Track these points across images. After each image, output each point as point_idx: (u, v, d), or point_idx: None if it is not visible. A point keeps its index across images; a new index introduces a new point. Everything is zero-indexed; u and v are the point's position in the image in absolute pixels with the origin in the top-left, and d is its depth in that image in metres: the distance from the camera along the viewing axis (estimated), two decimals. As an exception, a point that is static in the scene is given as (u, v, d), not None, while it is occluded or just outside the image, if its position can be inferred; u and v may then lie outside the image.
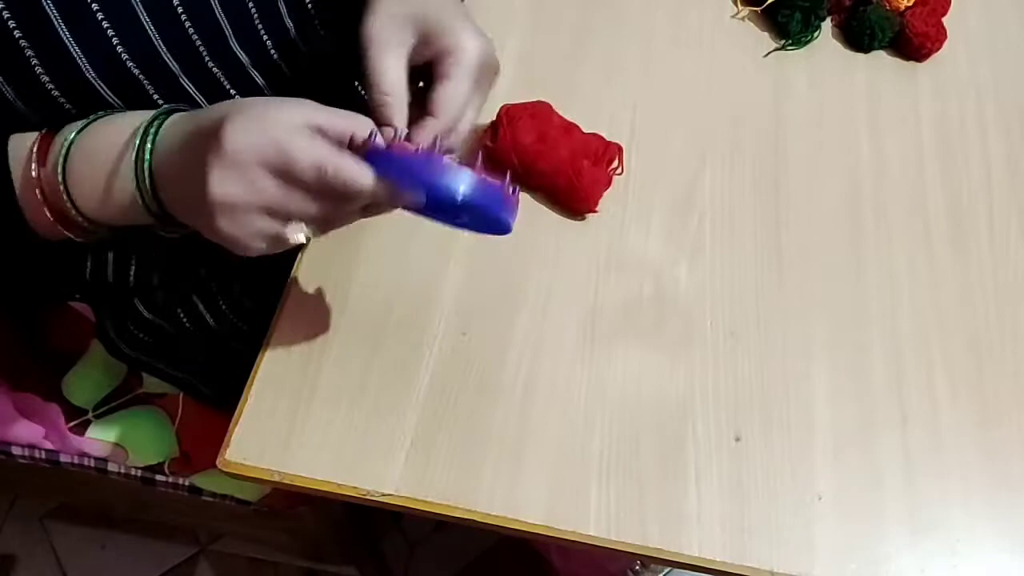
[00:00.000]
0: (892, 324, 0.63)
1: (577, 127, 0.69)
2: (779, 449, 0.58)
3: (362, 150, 0.47)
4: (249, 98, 0.48)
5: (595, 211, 0.66)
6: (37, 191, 0.49)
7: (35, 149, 0.49)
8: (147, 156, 0.48)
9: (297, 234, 0.47)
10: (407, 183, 0.46)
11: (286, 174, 0.45)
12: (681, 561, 0.54)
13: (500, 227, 0.50)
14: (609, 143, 0.68)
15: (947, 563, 0.54)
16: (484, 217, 0.49)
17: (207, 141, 0.45)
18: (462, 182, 0.46)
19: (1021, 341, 0.63)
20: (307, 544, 1.21)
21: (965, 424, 0.59)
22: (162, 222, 0.50)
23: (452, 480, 0.56)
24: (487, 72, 0.55)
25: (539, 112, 0.68)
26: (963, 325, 0.63)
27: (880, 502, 0.56)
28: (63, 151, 0.49)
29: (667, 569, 0.90)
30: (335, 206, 0.47)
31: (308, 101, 0.48)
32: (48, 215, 0.50)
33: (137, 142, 0.48)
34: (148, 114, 0.49)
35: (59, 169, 0.49)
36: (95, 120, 0.51)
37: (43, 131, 0.50)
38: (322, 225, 0.48)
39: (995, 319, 0.64)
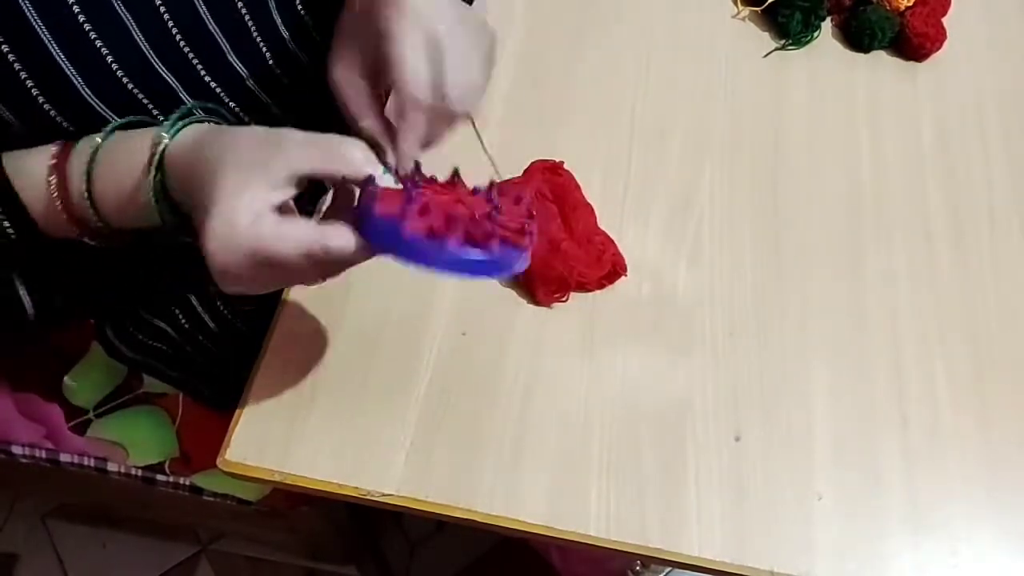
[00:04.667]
0: (892, 324, 0.63)
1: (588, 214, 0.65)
2: (779, 449, 0.58)
3: (359, 207, 0.47)
4: (230, 156, 0.46)
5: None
6: (57, 198, 0.49)
7: (53, 161, 0.50)
8: (159, 181, 0.49)
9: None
10: (400, 258, 0.45)
11: (277, 265, 0.45)
12: (681, 561, 0.54)
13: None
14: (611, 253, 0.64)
15: (947, 563, 0.54)
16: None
17: (201, 235, 0.45)
18: (455, 268, 0.44)
19: (1021, 341, 0.63)
20: (308, 543, 1.21)
21: (965, 424, 0.59)
22: (177, 231, 0.51)
23: (452, 480, 0.56)
24: (425, 20, 0.50)
25: (559, 195, 0.64)
26: (963, 325, 0.63)
27: (880, 502, 0.56)
28: (89, 161, 0.49)
29: (667, 569, 0.90)
30: (334, 268, 0.48)
31: (294, 140, 0.47)
32: (70, 224, 0.50)
33: (155, 161, 0.48)
34: (164, 126, 0.49)
35: (84, 179, 0.49)
36: (114, 130, 0.51)
37: (58, 144, 0.51)
38: (328, 277, 0.49)
39: (995, 319, 0.64)
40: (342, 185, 0.49)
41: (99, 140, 0.50)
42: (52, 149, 0.51)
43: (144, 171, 0.49)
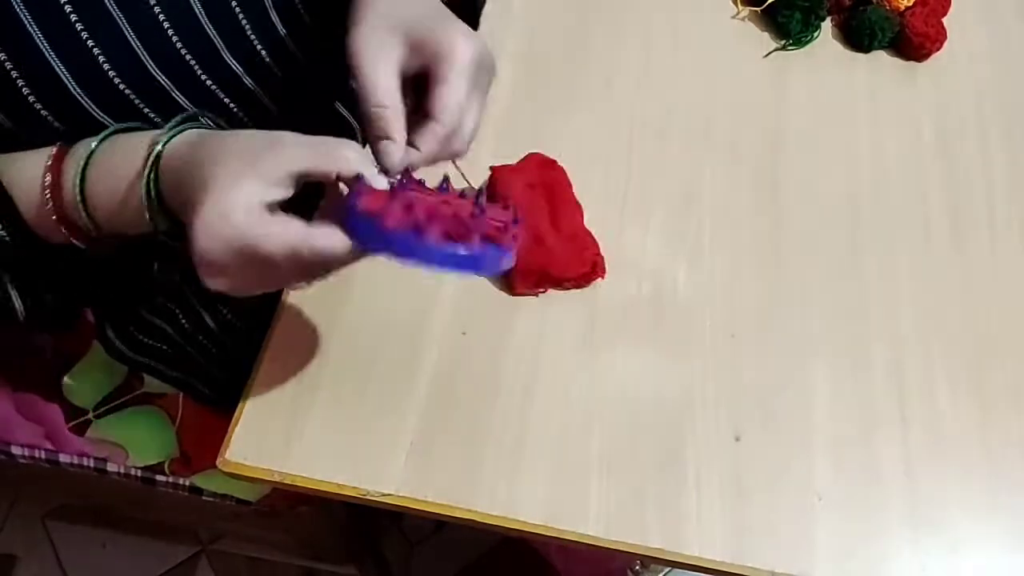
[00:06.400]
0: (892, 324, 0.63)
1: (575, 211, 0.66)
2: (779, 449, 0.58)
3: (343, 206, 0.46)
4: (225, 151, 0.47)
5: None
6: (50, 204, 0.50)
7: (49, 163, 0.50)
8: (153, 181, 0.49)
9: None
10: (383, 251, 0.45)
11: (261, 263, 0.45)
12: (681, 561, 0.54)
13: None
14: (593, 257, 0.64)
15: (947, 563, 0.54)
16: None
17: (190, 228, 0.45)
18: (437, 261, 0.44)
19: (1021, 340, 0.63)
20: (307, 544, 1.21)
21: (965, 424, 0.59)
22: (171, 236, 0.51)
23: (452, 480, 0.56)
24: (483, 71, 0.53)
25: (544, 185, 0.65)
26: (963, 325, 0.63)
27: (880, 501, 0.56)
28: (84, 163, 0.49)
29: (667, 569, 0.90)
30: (321, 271, 0.47)
31: (289, 140, 0.47)
32: (61, 229, 0.50)
33: (149, 162, 0.48)
34: (162, 130, 0.50)
35: (77, 181, 0.49)
36: (111, 135, 0.51)
37: (56, 146, 0.51)
38: (315, 280, 0.49)
39: (995, 318, 0.64)
40: (334, 185, 0.49)
41: (94, 145, 0.50)
42: (50, 151, 0.51)
43: (138, 174, 0.49)
